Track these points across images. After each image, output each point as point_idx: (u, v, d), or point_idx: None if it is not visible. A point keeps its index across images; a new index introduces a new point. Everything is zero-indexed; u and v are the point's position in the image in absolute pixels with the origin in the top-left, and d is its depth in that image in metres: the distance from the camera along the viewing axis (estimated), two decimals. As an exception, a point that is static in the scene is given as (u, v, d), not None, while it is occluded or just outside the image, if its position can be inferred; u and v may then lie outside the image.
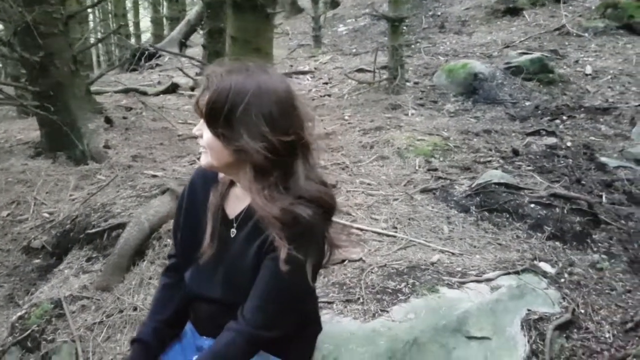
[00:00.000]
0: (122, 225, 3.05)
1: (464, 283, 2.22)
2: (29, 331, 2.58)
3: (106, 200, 3.46)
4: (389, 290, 2.15)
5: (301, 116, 1.32)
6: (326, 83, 6.50)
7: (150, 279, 2.68)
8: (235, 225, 1.42)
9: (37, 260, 3.44)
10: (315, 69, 7.23)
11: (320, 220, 1.30)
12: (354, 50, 8.11)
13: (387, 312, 2.02)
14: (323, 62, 7.63)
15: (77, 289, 2.76)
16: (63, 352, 2.44)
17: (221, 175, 1.45)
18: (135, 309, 2.54)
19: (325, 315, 1.99)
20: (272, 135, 1.24)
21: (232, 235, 1.42)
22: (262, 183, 1.28)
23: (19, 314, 2.71)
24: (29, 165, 4.46)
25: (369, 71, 6.19)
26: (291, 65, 7.56)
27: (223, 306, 1.41)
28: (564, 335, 2.11)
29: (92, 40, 8.28)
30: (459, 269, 2.37)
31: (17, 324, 2.65)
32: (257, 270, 1.33)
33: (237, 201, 1.44)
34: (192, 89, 6.16)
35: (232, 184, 1.47)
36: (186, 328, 1.59)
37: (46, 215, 3.71)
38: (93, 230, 3.17)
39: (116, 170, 4.03)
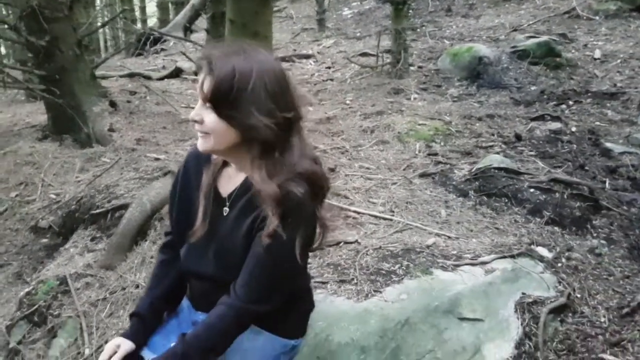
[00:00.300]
0: (125, 206, 3.10)
1: (458, 266, 2.24)
2: (35, 306, 2.66)
3: (110, 182, 3.51)
4: (383, 272, 2.17)
5: (294, 93, 1.37)
6: (329, 67, 6.47)
7: (151, 258, 2.73)
8: (227, 203, 1.46)
9: (44, 240, 3.54)
10: (318, 53, 7.20)
11: (311, 198, 1.34)
12: (358, 34, 8.05)
13: (380, 292, 2.04)
14: (327, 46, 7.58)
15: (81, 267, 2.83)
16: (68, 327, 2.52)
17: (214, 156, 1.48)
18: (137, 286, 2.59)
19: (319, 295, 2.02)
20: (277, 112, 1.30)
21: (225, 214, 1.45)
22: (266, 159, 1.33)
23: (27, 290, 2.80)
24: (36, 148, 4.54)
25: (373, 55, 6.16)
26: (294, 50, 7.53)
27: (215, 283, 1.45)
28: (559, 318, 2.11)
29: (99, 24, 8.30)
30: (455, 252, 2.38)
31: (24, 300, 2.74)
32: (248, 248, 1.37)
33: (230, 180, 1.48)
34: (196, 73, 6.17)
35: (224, 164, 1.50)
36: (183, 304, 1.65)
37: (53, 196, 3.79)
38: (97, 211, 3.24)
39: (120, 153, 4.08)
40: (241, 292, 1.36)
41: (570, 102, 4.58)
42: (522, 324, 2.02)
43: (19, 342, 2.58)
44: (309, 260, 2.27)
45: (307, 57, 7.02)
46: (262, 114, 1.28)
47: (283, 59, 6.90)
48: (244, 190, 1.42)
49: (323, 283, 2.14)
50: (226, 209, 1.45)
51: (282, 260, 1.34)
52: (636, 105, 4.42)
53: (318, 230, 1.46)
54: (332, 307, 1.97)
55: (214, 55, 1.31)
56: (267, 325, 1.51)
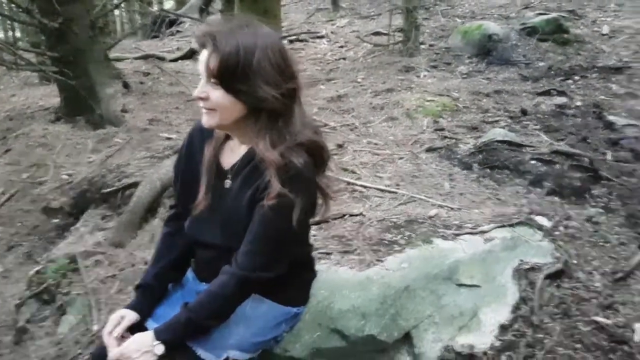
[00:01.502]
0: (135, 185, 3.16)
1: (458, 235, 2.27)
2: (45, 285, 2.65)
3: (121, 162, 3.57)
4: (386, 242, 2.22)
5: (294, 64, 1.41)
6: (342, 47, 6.50)
7: (161, 235, 2.79)
8: (229, 176, 1.50)
9: (56, 220, 3.53)
10: (332, 32, 7.20)
11: (311, 167, 1.39)
12: (372, 13, 8.02)
13: (382, 262, 2.07)
14: (340, 25, 7.57)
15: (91, 245, 2.86)
16: (77, 304, 2.52)
17: (217, 130, 1.51)
18: (146, 263, 2.60)
19: (322, 265, 2.07)
20: (282, 83, 1.34)
21: (227, 186, 1.50)
22: (272, 129, 1.37)
23: (36, 269, 2.79)
24: (49, 130, 4.58)
25: (385, 34, 6.16)
26: (309, 30, 7.53)
27: (220, 252, 1.51)
28: (555, 284, 2.13)
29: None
30: (456, 222, 2.41)
31: (34, 279, 2.73)
32: (251, 217, 1.41)
33: (231, 153, 1.53)
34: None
35: (226, 138, 1.54)
36: (188, 275, 1.70)
37: (65, 177, 3.82)
38: (108, 190, 3.29)
39: (132, 133, 4.14)
40: (242, 261, 1.40)
41: (577, 77, 4.59)
42: (518, 290, 2.05)
43: (28, 321, 2.57)
44: (314, 232, 2.33)
45: (321, 36, 7.03)
46: (269, 86, 1.32)
47: (297, 39, 6.90)
48: (245, 163, 1.46)
49: (327, 254, 2.18)
50: (228, 182, 1.50)
51: (282, 229, 1.38)
52: (640, 78, 4.42)
53: (320, 201, 1.51)
54: (335, 277, 2.00)
55: (217, 32, 1.33)
56: (269, 293, 1.55)
